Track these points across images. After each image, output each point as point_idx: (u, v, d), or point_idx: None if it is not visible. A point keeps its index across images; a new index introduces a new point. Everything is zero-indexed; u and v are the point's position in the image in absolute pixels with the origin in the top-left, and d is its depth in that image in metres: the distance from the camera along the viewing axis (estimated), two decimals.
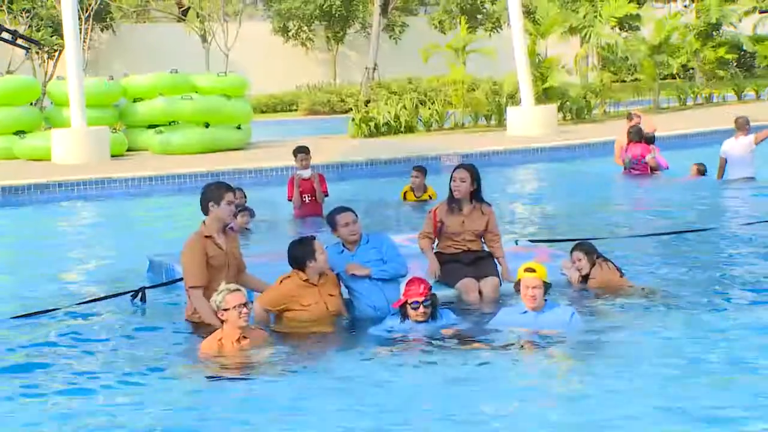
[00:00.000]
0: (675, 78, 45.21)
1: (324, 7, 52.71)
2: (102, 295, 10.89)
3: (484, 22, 54.29)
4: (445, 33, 52.40)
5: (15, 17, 47.53)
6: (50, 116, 28.13)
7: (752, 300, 9.87)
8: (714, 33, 42.72)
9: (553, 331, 8.73)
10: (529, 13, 42.24)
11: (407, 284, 9.18)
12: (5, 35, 32.82)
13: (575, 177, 22.25)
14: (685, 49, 40.89)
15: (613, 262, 10.62)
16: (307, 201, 15.87)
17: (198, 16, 53.00)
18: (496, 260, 10.66)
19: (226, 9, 51.63)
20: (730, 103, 40.18)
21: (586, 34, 38.07)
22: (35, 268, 13.32)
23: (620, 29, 41.72)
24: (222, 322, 8.60)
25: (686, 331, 8.81)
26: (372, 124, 30.34)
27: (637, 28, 43.05)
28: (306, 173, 15.89)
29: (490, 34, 50.79)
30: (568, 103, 34.77)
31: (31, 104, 28.82)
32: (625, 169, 20.01)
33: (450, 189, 10.62)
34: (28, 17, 47.00)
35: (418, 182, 17.63)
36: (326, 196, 15.93)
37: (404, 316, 9.06)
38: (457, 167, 10.78)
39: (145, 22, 58.50)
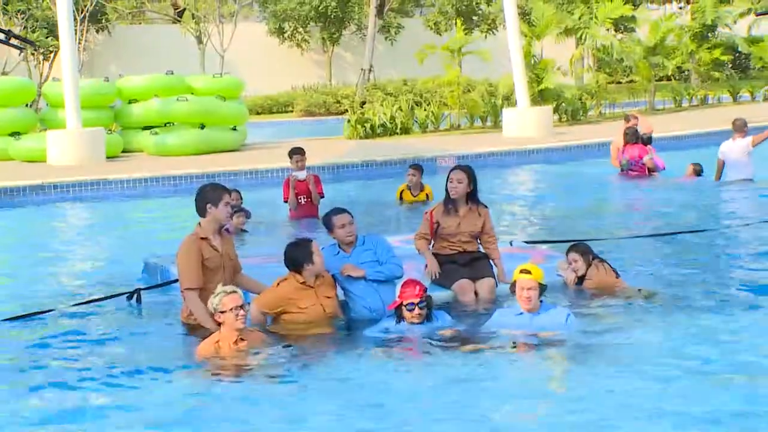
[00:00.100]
0: (670, 79, 45.24)
1: (319, 8, 52.75)
2: (97, 296, 10.88)
3: (479, 24, 54.32)
4: (440, 34, 52.47)
5: (10, 18, 47.54)
6: (45, 118, 28.14)
7: (749, 301, 9.87)
8: (709, 34, 42.75)
9: (548, 332, 8.72)
10: (524, 14, 42.30)
11: (402, 286, 9.17)
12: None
13: (571, 178, 22.26)
14: (681, 50, 40.90)
15: (609, 263, 10.62)
16: (302, 202, 15.87)
17: (193, 18, 53.01)
18: (491, 261, 10.66)
19: (221, 10, 51.64)
20: (726, 104, 40.24)
21: (581, 36, 38.06)
22: (30, 269, 13.31)
23: (615, 31, 41.76)
24: (219, 324, 8.60)
25: (683, 332, 8.81)
26: (368, 125, 30.36)
27: (633, 30, 43.10)
28: (301, 174, 15.88)
29: (485, 36, 50.83)
30: (563, 104, 34.80)
31: (27, 106, 28.81)
32: (622, 170, 20.02)
33: (446, 190, 10.62)
34: (23, 18, 47.01)
35: (415, 180, 17.63)
36: (322, 197, 15.92)
37: (400, 317, 9.05)
38: (454, 168, 10.78)
39: (140, 23, 58.52)
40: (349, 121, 30.98)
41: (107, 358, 8.63)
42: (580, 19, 37.92)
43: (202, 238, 9.38)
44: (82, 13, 46.67)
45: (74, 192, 20.86)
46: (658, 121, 27.71)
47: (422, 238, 10.65)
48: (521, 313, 8.93)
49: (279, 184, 16.79)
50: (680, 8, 53.28)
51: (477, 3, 54.65)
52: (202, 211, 9.47)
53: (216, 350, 8.40)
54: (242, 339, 8.44)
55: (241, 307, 8.43)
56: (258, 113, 45.25)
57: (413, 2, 58.99)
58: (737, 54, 47.20)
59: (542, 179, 22.89)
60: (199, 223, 9.49)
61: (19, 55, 45.27)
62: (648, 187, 19.13)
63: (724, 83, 43.40)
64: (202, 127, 27.19)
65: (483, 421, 6.92)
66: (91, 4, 47.73)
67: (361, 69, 48.66)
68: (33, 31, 46.08)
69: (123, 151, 27.30)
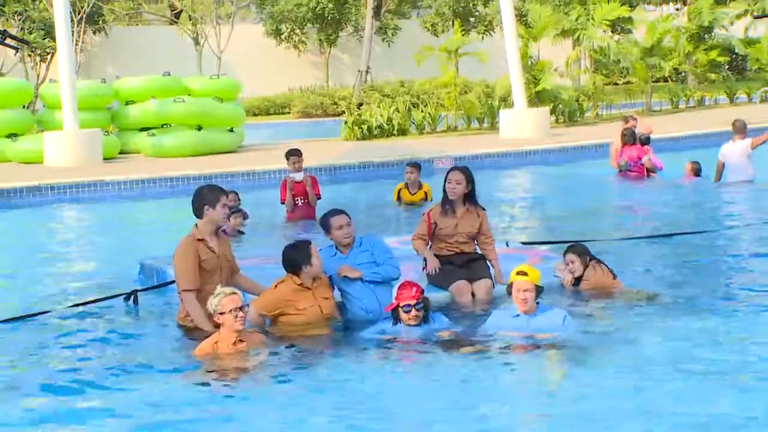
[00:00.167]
0: (667, 81, 45.25)
1: (316, 9, 52.76)
2: (94, 297, 10.87)
3: (476, 25, 54.33)
4: (437, 36, 52.49)
5: (7, 20, 47.53)
6: (42, 119, 28.14)
7: (748, 302, 9.87)
8: (706, 36, 42.76)
9: (545, 334, 8.72)
10: (521, 16, 42.29)
11: (399, 288, 9.17)
12: None
13: (568, 179, 22.27)
14: (677, 51, 40.92)
15: (606, 265, 10.62)
16: (299, 204, 15.87)
17: (190, 19, 53.00)
18: (488, 263, 10.67)
19: (218, 12, 51.64)
20: (722, 105, 40.27)
21: (578, 37, 38.08)
22: (27, 270, 13.30)
23: (612, 32, 41.73)
24: (216, 325, 8.60)
25: (681, 333, 8.81)
26: (365, 126, 30.36)
27: (630, 31, 43.10)
28: (298, 176, 15.88)
29: (482, 37, 50.83)
30: (560, 105, 34.81)
31: (24, 107, 28.82)
32: (620, 171, 20.04)
33: (444, 191, 10.63)
34: (20, 20, 46.99)
35: (413, 178, 17.64)
36: (319, 198, 15.93)
37: (396, 319, 9.05)
38: (452, 169, 10.79)
39: (137, 24, 58.52)
40: (346, 122, 30.98)
41: (104, 360, 8.63)
42: (577, 20, 37.94)
43: (199, 240, 9.38)
44: (79, 14, 46.66)
45: (71, 193, 20.85)
46: (655, 122, 27.70)
47: (420, 238, 10.66)
48: (518, 315, 8.92)
49: (276, 186, 16.80)
50: (677, 10, 53.30)
51: (474, 4, 54.68)
52: (199, 213, 9.46)
53: (214, 351, 8.40)
54: (241, 340, 8.45)
55: (241, 308, 8.42)
56: (255, 115, 45.24)
57: (410, 4, 59.01)
58: (734, 55, 47.24)
59: (539, 180, 22.90)
60: (196, 225, 9.49)
61: (15, 55, 45.29)
62: (646, 188, 19.16)
63: (720, 84, 43.43)
64: (199, 128, 27.18)
65: (480, 423, 6.93)
66: (88, 6, 47.73)
67: (358, 70, 48.68)
68: (30, 33, 46.07)
69: (120, 153, 27.31)
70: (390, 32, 55.26)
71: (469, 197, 10.65)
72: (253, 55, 53.29)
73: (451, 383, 7.71)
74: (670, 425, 6.70)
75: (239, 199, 15.51)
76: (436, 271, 10.41)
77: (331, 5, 52.71)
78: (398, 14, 57.95)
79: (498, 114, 31.67)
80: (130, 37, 53.67)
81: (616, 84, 48.70)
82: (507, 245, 12.26)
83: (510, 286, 9.02)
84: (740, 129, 18.55)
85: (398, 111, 31.98)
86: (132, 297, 10.64)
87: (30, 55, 47.51)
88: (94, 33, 52.30)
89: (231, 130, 28.39)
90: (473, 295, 10.33)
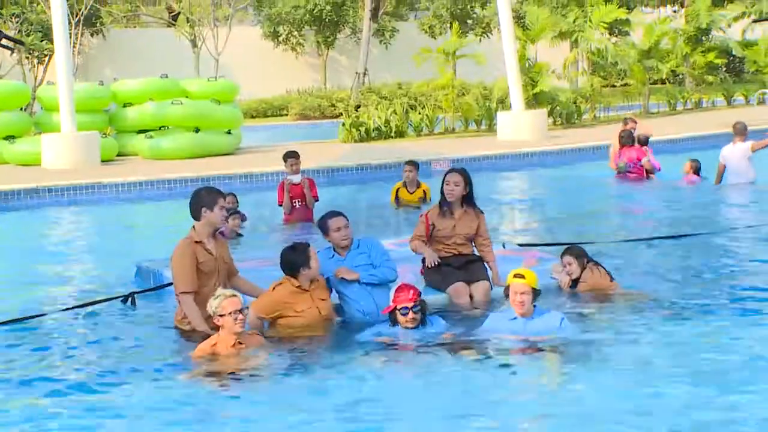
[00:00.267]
0: (665, 83, 45.30)
1: (314, 12, 52.76)
2: (92, 300, 10.87)
3: (474, 27, 54.34)
4: (435, 38, 52.50)
5: (5, 22, 47.52)
6: (40, 121, 28.13)
7: (745, 304, 9.88)
8: (703, 38, 42.79)
9: (542, 337, 8.72)
10: (519, 18, 42.31)
11: (396, 290, 9.17)
12: None
13: (566, 181, 22.27)
14: (675, 54, 40.94)
15: (603, 267, 10.63)
16: (297, 206, 15.87)
17: (188, 21, 53.00)
18: (486, 264, 10.68)
19: (216, 14, 51.64)
20: (720, 108, 40.29)
21: (575, 39, 38.10)
22: (24, 273, 13.29)
23: (610, 34, 41.80)
24: (213, 327, 8.61)
25: (678, 336, 8.82)
26: (362, 128, 30.36)
27: (627, 33, 43.17)
28: (296, 178, 15.88)
29: (480, 39, 50.85)
30: (558, 107, 34.82)
31: (21, 109, 28.80)
32: (619, 172, 20.05)
33: (442, 192, 10.64)
34: (17, 22, 46.98)
35: (412, 176, 17.66)
36: (316, 200, 15.93)
37: (394, 322, 9.06)
38: (450, 171, 10.80)
39: (135, 26, 58.53)
40: (343, 124, 30.96)
41: (101, 362, 8.63)
42: (574, 22, 37.95)
43: (196, 242, 9.38)
44: (76, 16, 46.66)
45: (69, 195, 20.85)
46: (652, 124, 27.73)
47: (418, 239, 10.68)
48: (515, 318, 8.92)
49: (274, 188, 16.80)
50: (674, 12, 53.31)
51: (471, 6, 54.69)
52: (196, 215, 9.47)
53: (213, 353, 8.40)
54: (240, 342, 8.44)
55: (240, 311, 8.42)
56: (253, 117, 45.23)
57: (408, 6, 59.03)
58: (731, 57, 47.27)
59: (537, 182, 22.91)
60: (194, 227, 9.49)
61: (11, 55, 45.25)
62: (646, 190, 19.17)
63: (718, 87, 43.45)
64: (197, 130, 27.17)
65: (478, 426, 6.93)
66: (85, 8, 47.70)
67: (356, 72, 48.68)
68: (28, 35, 46.06)
69: (118, 155, 27.29)
70: (387, 34, 55.26)
71: (467, 199, 10.67)
72: (251, 57, 53.29)
73: (449, 386, 7.72)
74: (668, 427, 6.71)
75: (237, 202, 15.54)
76: (435, 263, 10.43)
77: (328, 7, 52.72)
78: (396, 16, 57.97)
79: (495, 116, 31.68)
80: (128, 40, 53.66)
81: (614, 86, 48.73)
82: (503, 247, 12.28)
83: (507, 288, 9.02)
84: (741, 131, 18.55)
85: (396, 113, 31.98)
86: (129, 299, 10.64)
87: (27, 58, 47.48)
88: (92, 35, 52.28)
89: (229, 133, 28.39)
90: (471, 297, 10.34)
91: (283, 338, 9.08)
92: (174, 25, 55.23)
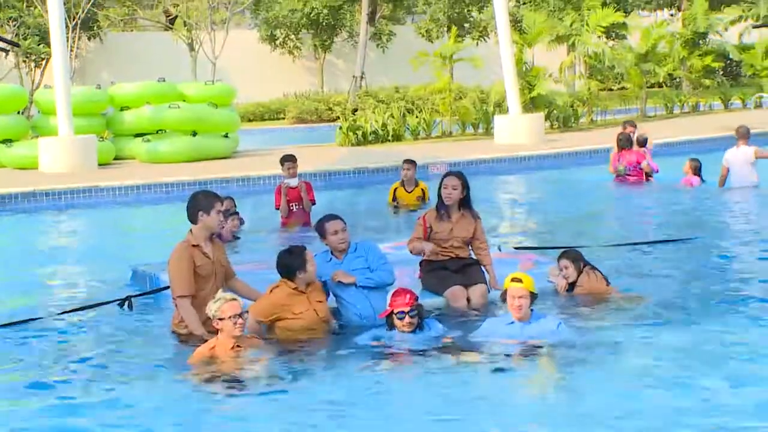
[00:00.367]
0: (662, 86, 45.30)
1: (311, 15, 52.74)
2: (89, 303, 10.86)
3: (470, 31, 54.35)
4: (432, 42, 52.48)
5: (2, 25, 47.50)
6: (37, 125, 28.10)
7: (742, 308, 9.88)
8: (700, 42, 42.80)
9: (539, 341, 8.72)
10: (516, 21, 42.31)
11: (393, 294, 9.17)
12: None
13: (563, 185, 22.27)
14: (672, 57, 40.96)
15: (600, 271, 10.63)
16: (294, 209, 15.88)
17: (185, 25, 52.97)
18: (483, 268, 10.69)
19: (213, 17, 51.62)
20: (717, 111, 40.30)
21: (572, 43, 38.11)
22: (21, 276, 13.29)
23: (607, 38, 41.78)
24: (211, 331, 8.61)
25: (675, 340, 8.82)
26: (359, 132, 30.36)
27: (624, 37, 43.15)
28: (293, 182, 15.89)
29: (477, 43, 50.87)
30: (555, 111, 34.83)
31: (18, 113, 28.77)
32: (618, 176, 20.06)
33: (440, 196, 10.66)
34: (15, 26, 46.95)
35: (410, 175, 17.67)
36: (313, 204, 15.93)
37: (391, 326, 9.06)
38: (448, 174, 10.81)
39: (132, 30, 58.50)
40: (341, 128, 30.96)
41: (98, 365, 8.62)
42: (571, 26, 37.95)
43: (193, 246, 9.38)
44: (73, 20, 46.63)
45: (66, 199, 20.83)
46: (649, 127, 27.76)
47: (415, 240, 10.69)
48: (512, 323, 8.92)
49: (271, 192, 16.80)
50: (671, 15, 53.37)
51: (468, 10, 54.69)
52: (193, 219, 9.47)
53: (211, 356, 8.39)
54: (238, 346, 8.44)
55: (240, 315, 8.42)
56: (250, 120, 45.22)
57: (405, 10, 59.03)
58: (728, 61, 47.25)
59: (534, 186, 22.91)
60: (191, 230, 9.49)
61: (5, 57, 45.21)
62: (645, 193, 19.18)
63: (715, 90, 43.44)
64: (194, 134, 27.18)
65: (475, 429, 6.94)
66: (82, 12, 47.68)
67: (353, 76, 48.66)
68: (25, 39, 46.02)
69: (115, 159, 27.27)
70: (385, 38, 55.25)
71: (464, 202, 10.69)
72: (248, 60, 53.27)
73: (445, 390, 7.71)
74: (665, 430, 6.72)
75: (235, 205, 15.54)
76: (434, 253, 10.43)
77: (325, 11, 52.70)
78: (393, 20, 57.97)
79: (493, 120, 31.68)
80: (125, 43, 53.64)
81: (611, 90, 48.75)
82: (499, 250, 12.29)
83: (504, 293, 9.01)
84: (744, 134, 18.56)
85: (393, 117, 31.98)
86: (126, 303, 10.64)
87: (25, 61, 47.45)
88: (89, 39, 52.25)
89: (226, 136, 28.38)
90: (468, 300, 10.35)
91: (281, 341, 9.08)
92: (171, 28, 55.21)
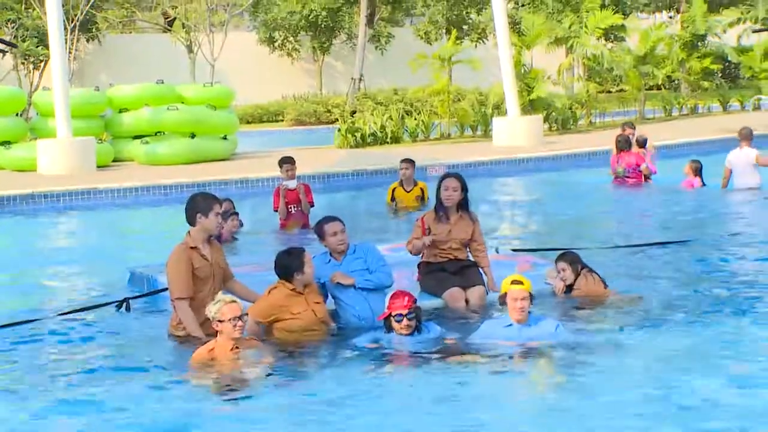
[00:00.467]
0: (660, 88, 45.32)
1: (310, 17, 52.73)
2: (87, 305, 10.86)
3: (469, 33, 54.35)
4: (431, 44, 52.47)
5: (0, 27, 47.49)
6: (36, 127, 28.09)
7: (740, 309, 9.88)
8: (699, 44, 42.84)
9: (537, 342, 8.72)
10: (514, 24, 42.32)
11: (391, 297, 9.17)
12: None
13: (562, 187, 22.26)
14: (671, 59, 40.98)
15: (597, 273, 10.63)
16: (292, 211, 15.87)
17: (184, 27, 52.95)
18: (481, 270, 10.69)
19: (212, 19, 51.61)
20: (715, 113, 40.33)
21: (571, 45, 38.12)
22: (20, 278, 13.30)
23: (606, 40, 41.79)
24: (210, 334, 8.60)
25: (674, 341, 8.82)
26: (358, 134, 30.36)
27: (623, 39, 43.15)
28: (292, 184, 15.89)
29: (475, 45, 50.87)
30: (553, 113, 34.83)
31: (17, 115, 28.75)
32: (617, 177, 20.05)
33: (438, 197, 10.66)
34: (13, 27, 46.94)
35: (408, 174, 17.67)
36: (312, 206, 15.93)
37: (389, 328, 9.06)
38: (447, 176, 10.82)
39: (131, 32, 58.50)
40: (339, 130, 30.96)
41: (96, 368, 8.62)
42: (570, 28, 37.95)
43: (191, 248, 9.37)
44: (72, 22, 46.61)
45: (65, 201, 20.83)
46: (648, 130, 27.76)
47: (414, 240, 10.69)
48: (510, 325, 8.92)
49: (269, 194, 16.79)
50: (670, 17, 53.38)
51: (467, 12, 54.69)
52: (192, 221, 9.46)
53: (211, 358, 8.39)
54: (237, 347, 8.44)
55: (240, 318, 8.42)
56: (248, 122, 45.20)
57: (403, 12, 59.02)
58: (727, 63, 47.29)
59: (532, 188, 22.90)
60: (189, 232, 9.48)
61: (2, 58, 45.18)
62: (645, 195, 19.18)
63: (713, 92, 43.48)
64: (193, 136, 27.16)
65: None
66: (81, 14, 47.68)
67: (352, 78, 48.66)
68: (23, 40, 46.01)
69: (113, 161, 27.25)
70: (383, 40, 55.24)
71: (463, 204, 10.69)
72: (247, 62, 53.26)
73: (443, 393, 7.71)
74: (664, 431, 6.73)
75: (234, 207, 15.53)
76: (432, 242, 10.43)
77: (324, 13, 52.69)
78: (391, 22, 57.95)
79: (491, 122, 31.68)
80: (124, 45, 53.63)
81: (609, 92, 48.73)
82: (497, 251, 12.29)
83: (503, 296, 9.00)
84: (746, 136, 18.56)
85: (391, 119, 31.99)
86: (124, 305, 10.63)
87: (23, 63, 47.44)
88: (88, 41, 52.23)
89: (224, 138, 28.37)
90: (467, 301, 10.35)
91: (279, 343, 9.08)
92: (170, 30, 55.20)
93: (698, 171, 19.30)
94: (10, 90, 29.52)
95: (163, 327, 9.66)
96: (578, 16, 38.35)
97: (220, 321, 8.38)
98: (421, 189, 17.71)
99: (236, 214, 15.11)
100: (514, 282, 8.93)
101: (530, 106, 33.39)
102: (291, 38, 54.68)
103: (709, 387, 7.53)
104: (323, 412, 7.33)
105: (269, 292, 9.40)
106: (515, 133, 29.16)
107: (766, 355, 8.34)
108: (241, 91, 38.29)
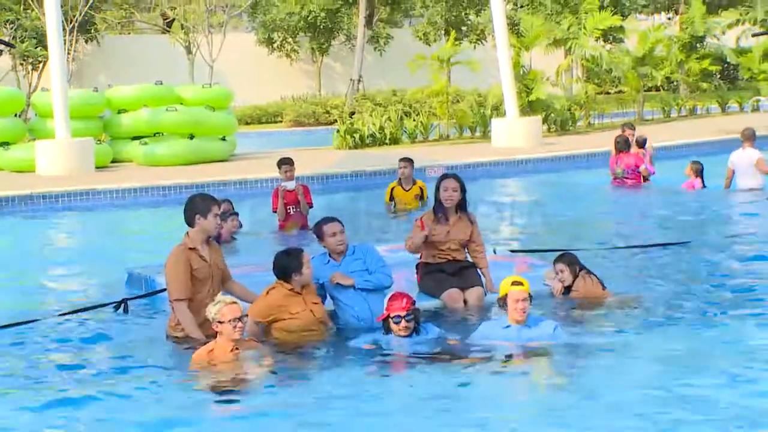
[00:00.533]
0: (659, 90, 45.32)
1: (308, 18, 52.72)
2: (85, 306, 10.85)
3: (468, 34, 54.35)
4: (429, 45, 52.48)
5: None
6: (34, 128, 28.07)
7: (739, 310, 9.88)
8: (698, 45, 42.84)
9: (536, 343, 8.72)
10: (513, 25, 42.33)
11: (390, 299, 9.16)
12: None
13: (560, 188, 22.26)
14: (669, 61, 40.99)
15: (595, 275, 10.62)
16: (291, 212, 15.87)
17: (182, 28, 52.95)
18: (479, 271, 10.69)
19: (210, 20, 51.60)
20: (714, 115, 40.32)
21: (570, 47, 38.12)
22: (18, 279, 13.30)
23: (604, 41, 41.78)
24: (208, 335, 8.60)
25: (672, 343, 8.82)
26: (357, 135, 30.36)
27: (621, 40, 43.14)
28: (290, 185, 15.88)
29: (474, 46, 50.87)
30: (552, 115, 34.83)
31: (16, 116, 28.75)
32: (616, 179, 20.04)
33: (438, 198, 10.65)
34: (12, 28, 46.92)
35: (407, 173, 17.66)
36: (311, 207, 15.93)
37: (387, 330, 9.05)
38: (446, 177, 10.82)
39: (129, 33, 58.49)
40: (338, 131, 30.96)
41: (94, 369, 8.61)
42: (568, 29, 37.95)
43: (190, 249, 9.36)
44: (71, 23, 46.59)
45: (63, 202, 20.82)
46: (647, 131, 27.77)
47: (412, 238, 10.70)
48: (508, 326, 8.92)
49: (268, 195, 16.79)
50: (669, 19, 53.37)
51: (466, 14, 54.69)
52: (190, 222, 9.45)
53: (210, 359, 8.38)
54: (237, 349, 8.43)
55: (240, 319, 8.41)
56: (247, 123, 45.17)
57: (402, 13, 59.01)
58: (726, 65, 47.29)
59: (531, 189, 22.90)
60: (188, 233, 9.47)
61: None
62: (644, 196, 19.18)
63: (712, 94, 43.48)
64: (192, 137, 27.15)
65: None
66: (80, 14, 47.67)
67: (351, 79, 48.63)
68: (22, 41, 45.99)
69: (112, 161, 27.25)
70: (382, 41, 55.24)
71: (461, 205, 10.69)
72: (245, 63, 53.25)
73: (441, 394, 7.71)
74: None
75: (233, 208, 15.53)
76: (432, 243, 10.42)
77: (323, 14, 52.68)
78: (390, 23, 57.94)
79: (490, 123, 31.66)
80: (122, 46, 53.61)
81: (608, 93, 48.72)
82: (494, 252, 12.28)
83: (503, 297, 8.99)
84: (749, 137, 18.54)
85: (390, 120, 31.98)
86: (122, 306, 10.63)
87: (22, 64, 47.42)
88: (86, 42, 52.21)
89: (223, 139, 28.36)
90: (465, 302, 10.35)
91: (279, 344, 9.08)
92: (168, 31, 55.19)
93: (699, 172, 19.28)
94: (8, 91, 29.51)
95: (161, 328, 9.66)
96: (577, 18, 38.36)
97: (220, 322, 8.38)
98: (420, 188, 17.70)
99: (236, 214, 15.13)
100: (514, 283, 8.92)
101: (529, 108, 33.38)
102: (290, 39, 54.67)
103: (709, 387, 7.53)
104: (323, 414, 7.33)
105: (267, 292, 9.40)
106: (514, 134, 29.16)
107: (766, 356, 8.34)
108: (240, 92, 38.29)
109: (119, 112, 28.09)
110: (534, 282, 9.61)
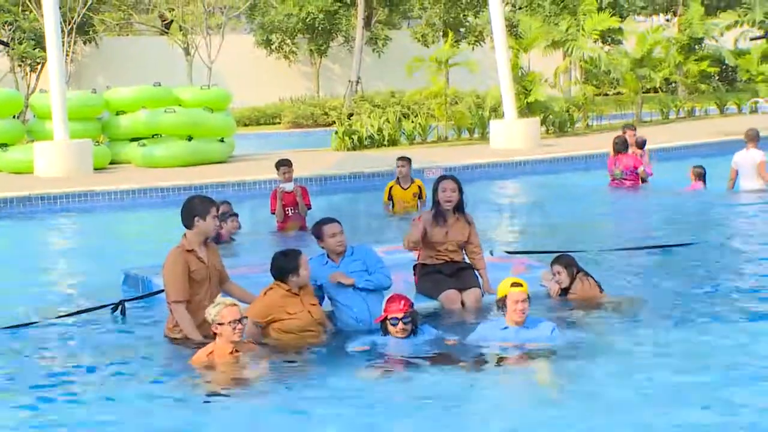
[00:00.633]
0: (657, 91, 45.36)
1: (307, 20, 52.76)
2: (82, 308, 10.85)
3: (466, 36, 54.38)
4: (428, 46, 52.54)
5: None
6: (33, 129, 28.10)
7: (737, 313, 9.87)
8: (696, 47, 42.88)
9: (533, 344, 8.72)
10: (511, 26, 42.34)
11: (388, 300, 9.15)
12: None
13: (559, 189, 22.25)
14: (668, 62, 41.02)
15: (593, 277, 10.61)
16: (290, 214, 15.87)
17: (181, 29, 52.99)
18: (477, 272, 10.69)
19: (209, 22, 51.63)
20: (712, 116, 40.36)
21: (568, 48, 38.14)
22: (16, 280, 13.27)
23: (603, 43, 41.83)
24: (207, 336, 8.59)
25: (670, 345, 8.82)
26: (355, 137, 30.38)
27: (620, 42, 43.21)
28: (289, 186, 15.88)
29: (472, 48, 50.89)
30: (550, 116, 34.85)
31: (14, 117, 28.77)
32: (614, 180, 20.04)
33: (436, 199, 10.65)
34: (10, 30, 46.94)
35: (405, 171, 17.65)
36: (309, 208, 15.93)
37: (385, 331, 9.05)
38: (444, 178, 10.81)
39: (128, 35, 58.51)
40: (336, 132, 30.99)
41: (91, 371, 8.60)
42: (567, 31, 37.98)
43: (188, 250, 9.35)
44: (69, 24, 46.64)
45: (62, 203, 20.82)
46: (645, 132, 27.78)
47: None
48: (506, 327, 8.92)
49: (266, 196, 16.80)
50: (667, 20, 53.43)
51: (464, 15, 54.72)
52: (189, 223, 9.44)
53: (209, 361, 8.38)
54: (236, 350, 8.43)
55: (239, 321, 8.41)
56: (245, 125, 45.23)
57: (401, 14, 59.05)
58: (724, 66, 47.36)
59: (529, 191, 22.91)
60: (185, 235, 9.46)
61: None
62: (642, 198, 19.18)
63: (710, 95, 43.53)
64: (190, 138, 27.16)
65: None
66: (78, 16, 47.71)
67: (349, 81, 48.68)
68: (20, 43, 46.03)
69: (110, 163, 27.27)
70: (380, 43, 55.29)
71: (459, 206, 10.69)
72: (244, 65, 53.30)
73: (439, 396, 7.70)
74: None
75: (232, 209, 15.53)
76: (430, 243, 10.43)
77: (321, 16, 52.73)
78: (389, 25, 57.97)
79: (488, 124, 31.69)
80: (121, 48, 53.65)
81: (607, 95, 48.77)
82: (491, 254, 12.27)
83: (502, 299, 8.98)
84: (753, 137, 18.53)
85: (389, 121, 32.01)
86: (119, 307, 10.62)
87: (20, 65, 47.45)
88: (85, 43, 52.25)
89: (221, 141, 28.37)
90: (462, 304, 10.35)
91: (278, 345, 9.07)
92: (167, 33, 55.22)
93: (701, 176, 19.26)
94: (7, 92, 29.52)
95: (158, 329, 9.66)
96: (575, 19, 38.38)
97: (219, 324, 8.37)
98: (419, 186, 17.69)
99: (236, 215, 15.13)
100: (513, 284, 8.92)
101: (527, 109, 33.41)
102: (288, 41, 54.72)
103: (709, 388, 7.53)
104: (322, 414, 7.32)
105: (265, 293, 9.39)
106: (512, 135, 29.18)
107: (766, 356, 8.34)
108: (238, 94, 38.33)
109: (117, 113, 28.10)
110: (531, 283, 9.60)
